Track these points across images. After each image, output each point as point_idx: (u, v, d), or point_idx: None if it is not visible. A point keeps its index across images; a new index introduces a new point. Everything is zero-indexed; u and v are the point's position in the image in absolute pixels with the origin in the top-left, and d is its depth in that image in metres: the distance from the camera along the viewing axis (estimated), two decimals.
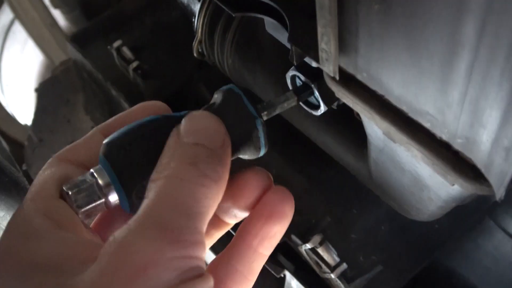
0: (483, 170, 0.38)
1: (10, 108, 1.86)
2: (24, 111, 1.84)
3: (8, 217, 0.87)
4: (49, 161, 0.39)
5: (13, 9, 1.73)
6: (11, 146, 1.66)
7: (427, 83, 0.36)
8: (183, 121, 0.37)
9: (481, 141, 0.36)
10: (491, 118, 0.33)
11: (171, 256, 0.31)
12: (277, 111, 0.50)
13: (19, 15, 1.71)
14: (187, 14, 0.79)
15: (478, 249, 0.75)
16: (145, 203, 0.33)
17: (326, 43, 0.40)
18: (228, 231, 0.52)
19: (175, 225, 0.32)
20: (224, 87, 0.44)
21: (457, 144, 0.38)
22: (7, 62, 1.97)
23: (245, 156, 0.44)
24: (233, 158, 0.44)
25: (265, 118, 0.48)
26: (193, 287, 0.31)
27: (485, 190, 0.39)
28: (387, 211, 0.74)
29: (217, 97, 0.43)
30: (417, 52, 0.35)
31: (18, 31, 1.93)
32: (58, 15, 1.56)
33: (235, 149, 0.43)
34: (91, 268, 0.31)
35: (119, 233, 0.32)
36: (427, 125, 0.40)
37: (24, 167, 1.06)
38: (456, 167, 0.39)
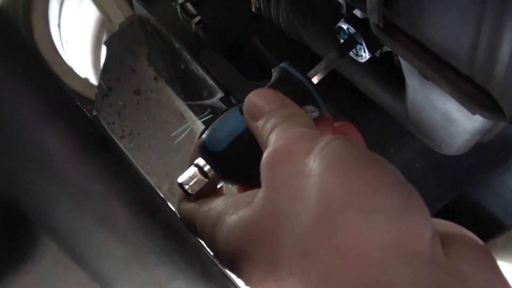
0: (498, 100, 0.47)
1: (70, 62, 1.98)
2: (82, 65, 1.97)
3: None
4: None
5: None
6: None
7: (455, 29, 0.45)
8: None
9: (496, 74, 0.45)
10: (503, 55, 0.42)
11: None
12: (324, 73, 0.61)
13: None
14: None
15: (503, 185, 0.83)
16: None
17: None
18: None
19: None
20: (279, 66, 0.56)
21: (478, 78, 0.47)
22: (65, 20, 2.09)
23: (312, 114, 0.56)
24: None
25: (315, 81, 0.59)
26: None
27: (500, 118, 0.48)
28: (421, 150, 0.83)
29: (274, 74, 0.56)
30: (445, 3, 0.44)
31: None
32: None
33: None
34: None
35: None
36: (454, 64, 0.49)
37: (94, 112, 1.19)
38: (477, 99, 0.49)
